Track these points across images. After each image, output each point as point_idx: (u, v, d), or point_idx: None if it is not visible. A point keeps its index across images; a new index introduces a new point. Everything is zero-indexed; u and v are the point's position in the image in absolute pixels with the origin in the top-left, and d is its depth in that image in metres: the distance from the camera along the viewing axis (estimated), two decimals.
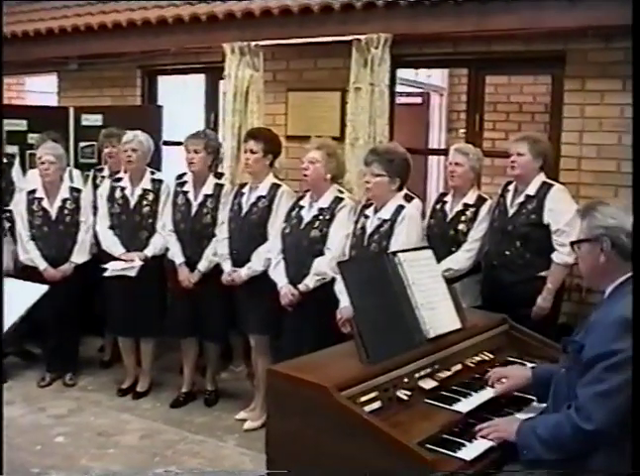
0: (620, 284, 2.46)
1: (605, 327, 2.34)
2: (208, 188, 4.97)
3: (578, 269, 4.26)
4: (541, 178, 4.32)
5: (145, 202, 5.16)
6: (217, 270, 4.86)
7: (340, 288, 4.02)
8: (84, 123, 6.70)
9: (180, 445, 4.55)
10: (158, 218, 5.16)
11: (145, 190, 5.17)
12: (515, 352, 3.37)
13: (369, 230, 4.15)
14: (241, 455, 4.41)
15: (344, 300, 3.97)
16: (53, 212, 5.35)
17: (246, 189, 4.76)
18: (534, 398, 2.87)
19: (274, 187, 4.67)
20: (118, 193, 5.21)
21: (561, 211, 4.15)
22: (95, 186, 5.75)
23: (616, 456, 2.33)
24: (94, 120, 6.61)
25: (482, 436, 2.57)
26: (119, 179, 5.27)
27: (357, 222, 4.27)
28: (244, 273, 4.64)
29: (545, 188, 4.26)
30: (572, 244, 2.63)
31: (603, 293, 2.54)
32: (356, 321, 2.83)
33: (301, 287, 4.31)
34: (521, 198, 4.31)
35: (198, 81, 6.89)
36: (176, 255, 5.01)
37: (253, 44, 5.56)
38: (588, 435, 2.31)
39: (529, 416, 2.70)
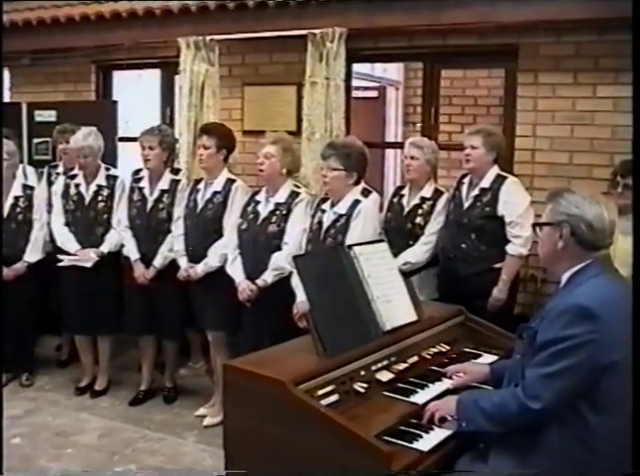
0: (576, 272, 2.51)
1: (558, 314, 2.40)
2: (164, 184, 4.94)
3: (533, 260, 4.38)
4: (495, 170, 4.36)
5: (100, 198, 5.10)
6: (173, 266, 4.82)
7: (296, 282, 4.01)
8: (38, 119, 6.58)
9: (139, 443, 4.51)
10: (113, 214, 5.11)
11: (99, 187, 5.11)
12: (471, 343, 3.41)
13: (325, 224, 4.16)
14: (201, 452, 4.39)
15: (300, 295, 3.97)
16: (6, 210, 5.26)
17: (201, 185, 4.74)
18: (490, 388, 2.91)
19: (229, 183, 4.65)
20: (73, 190, 5.15)
21: (514, 203, 4.21)
22: (50, 183, 5.67)
23: (569, 437, 2.39)
24: (48, 116, 6.50)
25: (427, 421, 2.62)
26: (73, 176, 5.20)
27: (313, 216, 4.27)
28: (200, 269, 4.62)
29: (499, 181, 4.30)
30: (533, 226, 2.69)
31: (559, 283, 2.59)
32: (312, 315, 2.84)
33: (259, 282, 4.30)
34: (476, 191, 4.35)
35: (153, 76, 6.82)
36: (132, 251, 4.96)
37: (208, 38, 5.53)
38: (534, 413, 2.38)
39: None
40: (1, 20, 5.57)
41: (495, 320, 3.60)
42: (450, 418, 2.59)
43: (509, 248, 4.20)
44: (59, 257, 5.06)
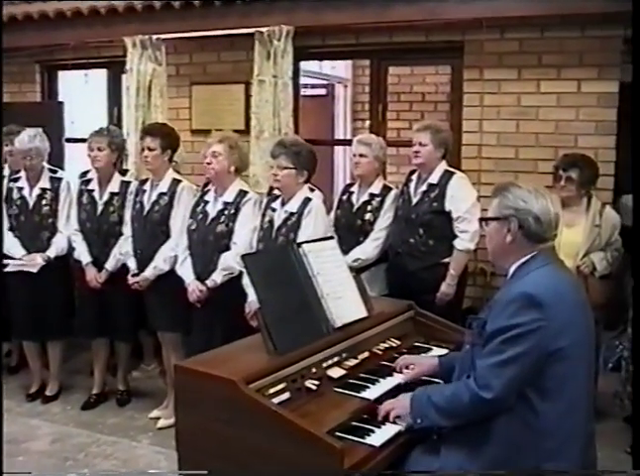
0: (523, 263, 2.56)
1: (505, 303, 2.45)
2: (114, 186, 4.88)
3: (482, 254, 4.44)
4: (443, 166, 4.41)
5: (44, 202, 5.02)
6: (125, 269, 4.77)
7: (247, 281, 4.00)
8: None
9: (93, 448, 4.46)
10: (58, 218, 5.04)
11: (43, 190, 5.03)
12: (422, 337, 3.45)
13: (276, 223, 4.15)
14: (155, 454, 4.35)
15: (252, 294, 3.96)
16: None
17: (147, 186, 4.70)
18: (441, 381, 2.94)
19: (175, 183, 4.62)
20: (16, 194, 5.06)
21: (462, 199, 4.26)
22: None
23: (518, 424, 2.43)
24: None
25: (382, 418, 2.64)
26: (16, 180, 5.11)
27: (264, 215, 4.26)
28: (149, 274, 4.59)
29: (447, 177, 4.35)
30: (480, 220, 2.72)
31: (507, 275, 2.63)
32: (261, 313, 2.83)
33: (209, 282, 4.28)
34: (424, 187, 4.39)
35: (100, 76, 6.74)
36: (83, 255, 4.90)
37: (154, 37, 5.50)
38: (486, 403, 2.42)
39: None
40: (1, 20, 5.46)
41: (445, 314, 3.65)
42: (404, 416, 2.61)
43: (457, 243, 4.26)
44: (5, 262, 4.97)
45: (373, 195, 4.53)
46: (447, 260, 4.30)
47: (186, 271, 4.39)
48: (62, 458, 4.33)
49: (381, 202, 4.51)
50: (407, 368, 3.02)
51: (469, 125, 5.00)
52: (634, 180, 3.47)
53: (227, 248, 4.29)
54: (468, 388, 2.46)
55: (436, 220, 4.31)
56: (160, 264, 4.56)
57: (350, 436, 2.53)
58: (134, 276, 4.65)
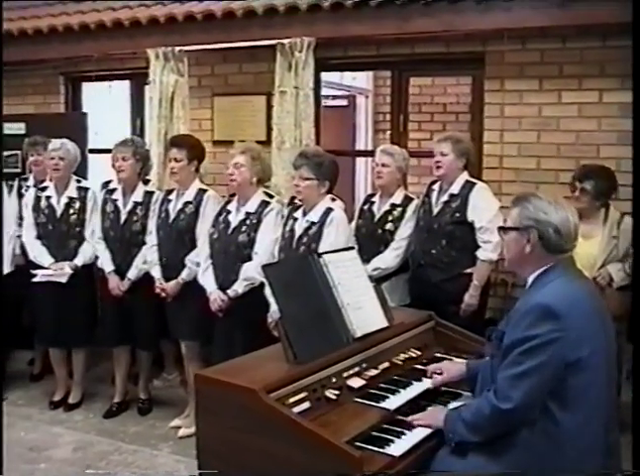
0: (541, 274, 2.57)
1: (523, 315, 2.46)
2: (137, 196, 4.93)
3: (503, 265, 4.42)
4: (464, 176, 4.41)
5: (71, 211, 5.08)
6: (147, 278, 4.82)
7: (269, 291, 4.03)
8: (7, 132, 6.51)
9: (114, 456, 4.49)
10: (85, 226, 5.09)
11: (71, 199, 5.09)
12: (442, 348, 3.44)
13: (297, 233, 4.17)
14: (176, 463, 4.37)
15: (274, 304, 3.97)
16: None
17: (172, 196, 4.74)
18: (464, 392, 2.94)
19: (201, 193, 4.66)
20: (44, 203, 5.12)
21: (484, 209, 4.26)
22: (20, 196, 5.64)
23: (538, 434, 2.44)
24: (17, 129, 6.45)
25: (417, 425, 2.65)
26: (44, 188, 5.18)
27: (285, 225, 4.28)
28: (174, 284, 4.64)
29: (468, 187, 4.35)
30: (499, 229, 2.72)
31: (525, 285, 2.63)
32: (282, 323, 2.85)
33: (230, 292, 4.30)
34: (445, 197, 4.39)
35: (123, 88, 6.81)
36: (106, 263, 4.95)
37: (177, 49, 5.54)
38: (505, 414, 2.42)
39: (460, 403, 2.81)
40: (1, 24, 5.54)
41: (467, 325, 3.64)
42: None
43: (480, 253, 4.25)
44: (33, 272, 5.02)
45: (394, 205, 4.54)
46: (469, 270, 4.30)
47: (208, 280, 4.41)
48: (84, 466, 4.35)
49: (403, 212, 4.51)
50: (436, 374, 3.04)
51: (490, 136, 5.00)
52: (634, 180, 3.45)
53: (249, 258, 4.31)
54: (488, 400, 2.47)
55: (458, 231, 4.30)
56: (186, 276, 4.61)
57: (369, 446, 2.54)
58: (162, 284, 4.68)
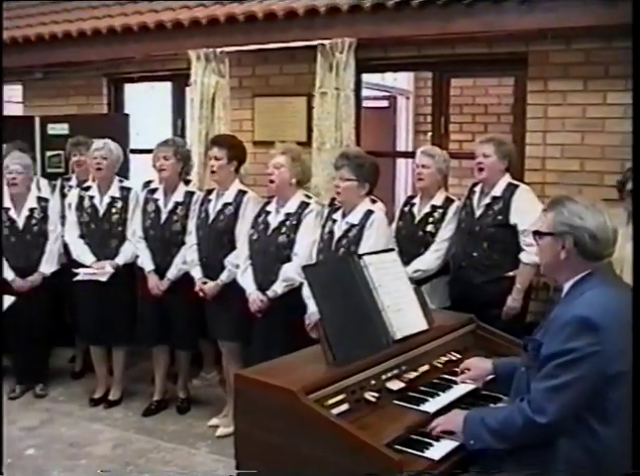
0: (577, 281, 2.49)
1: (560, 326, 2.39)
2: (178, 196, 4.97)
3: None
4: (507, 178, 4.37)
5: (114, 210, 5.14)
6: (186, 278, 4.84)
7: (308, 293, 4.02)
8: (51, 132, 6.65)
9: (153, 454, 4.53)
10: (127, 226, 5.15)
11: (113, 198, 5.15)
12: (483, 352, 3.39)
13: (337, 234, 4.16)
14: (214, 462, 4.40)
15: (312, 305, 3.97)
16: (21, 222, 5.31)
17: (212, 196, 4.76)
18: (504, 396, 2.90)
19: (241, 194, 4.67)
20: (87, 202, 5.19)
21: (527, 211, 4.18)
22: (63, 196, 5.72)
23: (579, 449, 2.38)
24: (61, 129, 6.56)
25: (435, 433, 2.61)
26: (87, 188, 5.24)
27: (324, 226, 4.28)
28: (213, 285, 4.65)
29: (511, 189, 4.31)
30: (534, 233, 2.66)
31: (561, 291, 2.58)
32: (322, 324, 2.84)
33: (269, 293, 4.31)
34: (487, 200, 4.35)
35: (165, 89, 6.87)
36: (146, 262, 4.99)
37: (218, 50, 5.57)
38: (540, 428, 2.36)
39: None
40: (1, 25, 5.60)
41: (508, 329, 3.59)
42: (457, 434, 2.58)
43: (523, 256, 4.19)
44: (75, 271, 5.09)
45: (434, 207, 4.51)
46: (511, 273, 4.25)
47: (247, 281, 4.43)
48: (123, 463, 4.41)
49: (443, 214, 4.48)
50: (464, 372, 3.03)
51: (532, 137, 4.93)
52: (634, 181, 3.38)
53: (288, 259, 4.31)
54: (521, 411, 2.41)
55: (500, 233, 4.26)
56: (226, 278, 4.63)
57: (408, 449, 2.51)
58: (203, 283, 4.70)
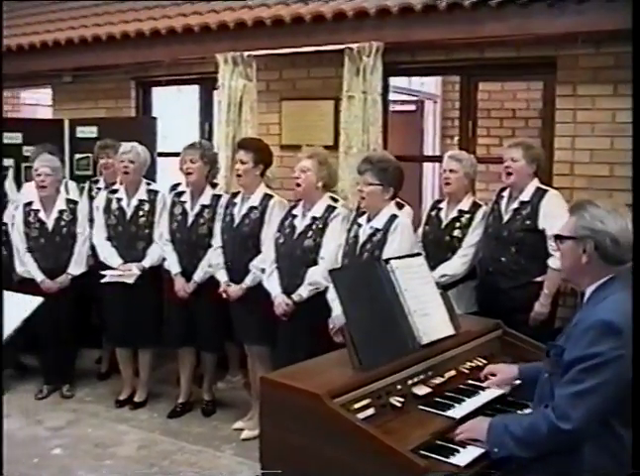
0: (600, 286, 2.47)
1: (583, 331, 2.37)
2: (205, 199, 4.99)
3: None
4: (535, 183, 4.34)
5: (141, 213, 5.18)
6: (213, 280, 4.86)
7: (332, 296, 4.03)
8: (79, 135, 6.72)
9: (177, 455, 4.55)
10: (154, 228, 5.18)
11: (141, 201, 5.19)
12: (509, 357, 3.36)
13: (361, 239, 4.14)
14: (238, 465, 4.41)
15: (336, 309, 3.97)
16: (50, 224, 5.36)
17: (238, 199, 4.78)
18: (530, 403, 2.87)
19: (266, 198, 4.68)
20: (114, 205, 5.22)
21: (556, 216, 4.11)
22: (91, 198, 5.77)
23: (605, 456, 2.35)
24: (89, 132, 6.63)
25: (458, 440, 2.59)
26: (115, 191, 5.28)
27: (349, 231, 4.26)
28: (238, 288, 4.67)
29: (539, 194, 4.28)
30: (555, 237, 2.64)
31: (582, 296, 2.55)
32: (348, 328, 2.83)
33: (295, 296, 4.31)
34: (515, 204, 4.32)
35: (192, 92, 6.90)
36: (173, 265, 5.01)
37: (246, 54, 5.58)
38: (565, 434, 2.33)
39: None
40: (1, 26, 5.64)
41: (535, 335, 3.55)
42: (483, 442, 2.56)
43: (551, 262, 4.15)
44: (102, 272, 5.13)
45: (462, 212, 4.48)
46: (539, 279, 4.22)
47: (273, 284, 4.43)
48: (148, 464, 4.43)
49: (470, 219, 4.45)
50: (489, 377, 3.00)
51: (561, 142, 4.88)
52: (634, 181, 3.32)
53: (314, 262, 4.31)
54: (546, 418, 2.38)
55: (528, 238, 4.23)
56: (250, 282, 4.64)
57: (434, 455, 2.49)
58: (227, 286, 4.72)
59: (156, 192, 5.25)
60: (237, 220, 4.71)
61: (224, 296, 4.73)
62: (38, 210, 5.38)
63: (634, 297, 2.39)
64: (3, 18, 5.44)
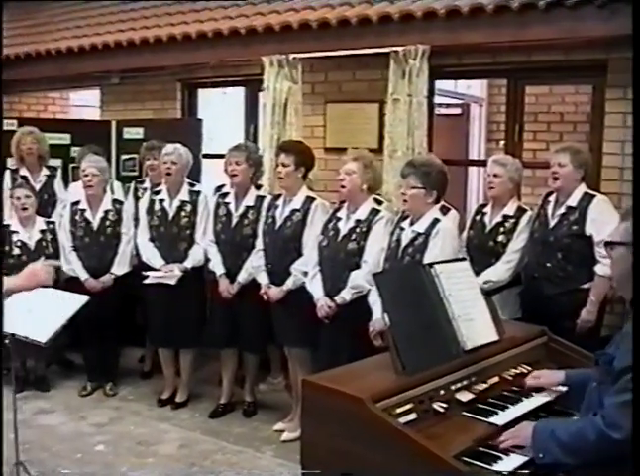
0: None
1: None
2: (249, 200, 5.01)
3: None
4: (582, 188, 4.27)
5: (183, 214, 5.21)
6: (256, 282, 4.87)
7: (373, 299, 4.02)
8: (126, 136, 6.80)
9: (218, 456, 4.57)
10: (196, 229, 5.21)
11: (183, 202, 5.23)
12: (554, 365, 3.30)
13: (403, 243, 4.11)
14: (278, 466, 4.41)
15: (377, 313, 3.96)
16: (95, 224, 5.44)
17: (280, 202, 4.78)
18: (576, 413, 2.82)
19: (309, 201, 4.68)
20: (157, 206, 5.27)
21: (604, 222, 4.06)
22: (136, 199, 5.83)
23: None
24: (135, 133, 6.71)
25: (503, 447, 2.54)
26: (158, 192, 5.33)
27: (392, 234, 4.23)
28: (278, 290, 4.68)
29: (587, 199, 4.21)
30: (606, 244, 2.58)
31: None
32: (391, 332, 2.81)
33: (338, 299, 4.30)
34: (562, 210, 4.27)
35: (237, 94, 6.94)
36: (217, 266, 5.04)
37: (291, 56, 5.59)
38: (614, 443, 2.27)
39: None
40: (1, 27, 5.71)
41: (581, 343, 3.49)
42: (527, 448, 2.52)
43: (598, 268, 4.08)
44: (144, 273, 5.18)
45: (506, 217, 4.43)
46: (586, 285, 4.16)
47: (316, 287, 4.43)
48: (189, 463, 4.46)
49: (515, 224, 4.40)
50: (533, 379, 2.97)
51: (610, 146, 4.80)
52: (634, 181, 3.24)
53: (357, 266, 4.30)
54: (594, 426, 2.32)
55: (575, 244, 4.17)
56: (291, 284, 4.64)
57: (476, 462, 2.45)
58: (269, 288, 4.73)
59: (198, 193, 5.28)
60: (279, 223, 4.72)
61: (265, 297, 4.74)
62: (84, 210, 5.45)
63: (634, 297, 2.33)
64: (3, 20, 5.51)
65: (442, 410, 2.70)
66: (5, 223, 5.51)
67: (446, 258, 3.61)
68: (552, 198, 4.38)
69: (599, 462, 2.34)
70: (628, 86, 4.66)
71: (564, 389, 2.90)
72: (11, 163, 6.40)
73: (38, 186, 5.99)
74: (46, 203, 5.98)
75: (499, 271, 4.33)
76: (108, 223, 5.47)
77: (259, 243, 4.86)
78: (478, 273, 4.09)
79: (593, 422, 2.34)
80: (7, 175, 6.17)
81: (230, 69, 6.38)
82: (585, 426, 2.38)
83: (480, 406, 2.83)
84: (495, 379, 3.00)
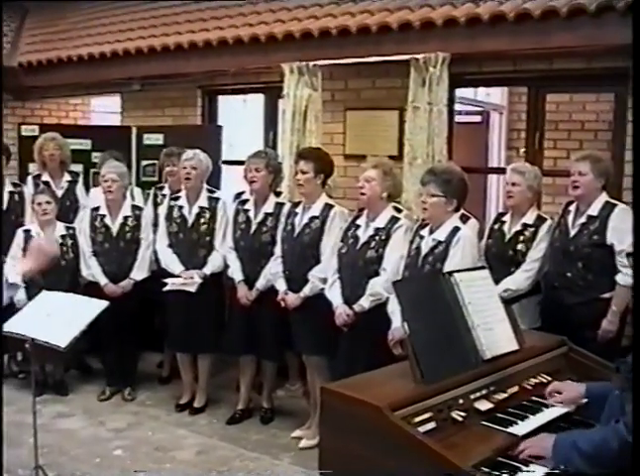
0: None
1: None
2: (269, 207, 5.02)
3: None
4: (604, 197, 4.24)
5: (202, 220, 5.23)
6: (275, 289, 4.87)
7: (392, 308, 4.01)
8: (146, 142, 6.84)
9: (236, 462, 4.57)
10: (215, 236, 5.22)
11: (202, 209, 5.24)
12: (575, 375, 3.28)
13: (423, 251, 4.10)
14: (296, 473, 4.41)
15: (396, 321, 3.96)
16: (115, 229, 5.47)
17: (299, 209, 4.78)
18: (597, 424, 2.80)
19: (327, 208, 4.68)
20: (176, 212, 5.29)
21: (625, 231, 4.03)
22: (156, 205, 5.86)
23: None
24: (156, 139, 6.74)
25: (522, 456, 2.52)
26: (177, 198, 5.35)
27: (412, 242, 4.22)
28: (295, 297, 4.68)
29: (608, 208, 4.18)
30: (627, 255, 2.57)
31: None
32: (410, 341, 2.80)
33: (356, 307, 4.29)
34: (583, 219, 4.24)
35: (257, 101, 6.96)
36: (236, 272, 5.05)
37: (311, 63, 5.60)
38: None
39: None
40: (1, 28, 5.73)
41: (602, 353, 3.46)
42: (547, 459, 2.50)
43: (619, 278, 4.05)
44: (164, 281, 5.19)
45: (526, 226, 4.41)
46: (606, 295, 4.12)
47: (335, 294, 4.42)
48: (207, 469, 4.47)
49: (535, 233, 4.37)
50: (554, 394, 2.94)
51: (632, 155, 4.77)
52: (634, 181, 3.20)
53: (376, 273, 4.29)
54: (617, 433, 2.31)
55: (596, 254, 4.14)
56: (308, 291, 4.64)
57: (495, 472, 2.44)
58: (286, 294, 4.73)
59: (217, 200, 5.30)
60: (297, 230, 4.72)
61: (282, 304, 4.74)
62: (104, 215, 5.49)
63: (634, 298, 2.32)
64: (2, 23, 5.54)
65: (461, 419, 2.69)
66: (26, 228, 5.56)
67: (466, 266, 3.60)
68: (572, 207, 4.35)
69: (621, 471, 2.32)
70: None
71: (584, 401, 2.88)
72: (33, 168, 6.47)
73: (60, 192, 6.04)
74: (68, 209, 6.03)
75: (518, 280, 4.31)
76: (127, 229, 5.50)
77: (277, 250, 4.86)
78: (496, 281, 4.06)
79: (616, 430, 2.33)
80: (29, 180, 6.22)
81: (250, 76, 6.41)
82: (606, 435, 2.36)
83: (499, 415, 2.81)
84: (515, 388, 2.99)
